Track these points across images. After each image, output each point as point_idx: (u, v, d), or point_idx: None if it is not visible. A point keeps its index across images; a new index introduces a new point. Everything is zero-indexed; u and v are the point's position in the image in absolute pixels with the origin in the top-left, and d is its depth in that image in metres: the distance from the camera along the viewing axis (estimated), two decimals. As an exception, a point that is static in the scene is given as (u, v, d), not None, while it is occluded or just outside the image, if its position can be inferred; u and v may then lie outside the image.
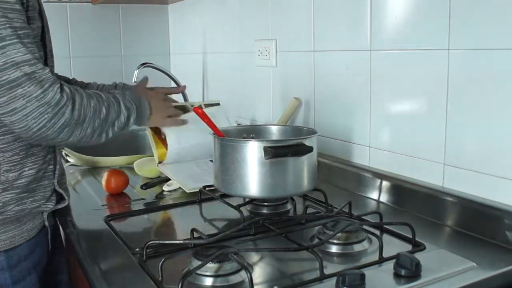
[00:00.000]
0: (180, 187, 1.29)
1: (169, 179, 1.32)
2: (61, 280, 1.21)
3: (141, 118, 1.17)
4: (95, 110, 1.02)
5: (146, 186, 1.31)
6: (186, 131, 1.36)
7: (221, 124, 1.50)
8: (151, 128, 1.36)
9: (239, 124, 1.76)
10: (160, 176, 1.40)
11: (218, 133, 1.12)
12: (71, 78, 1.38)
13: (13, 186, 1.01)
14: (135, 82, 1.91)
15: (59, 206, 1.12)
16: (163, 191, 1.31)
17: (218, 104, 1.52)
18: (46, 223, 1.09)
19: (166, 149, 1.36)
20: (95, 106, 1.02)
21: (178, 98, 1.52)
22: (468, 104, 0.98)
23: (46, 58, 1.07)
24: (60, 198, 1.13)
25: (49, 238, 1.11)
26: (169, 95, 1.37)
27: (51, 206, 1.09)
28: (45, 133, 0.94)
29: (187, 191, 1.25)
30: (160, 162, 1.35)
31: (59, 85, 0.95)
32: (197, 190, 1.22)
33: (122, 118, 1.09)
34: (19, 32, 0.91)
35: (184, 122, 1.34)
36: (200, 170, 1.37)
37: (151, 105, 1.21)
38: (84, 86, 1.35)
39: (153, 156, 1.38)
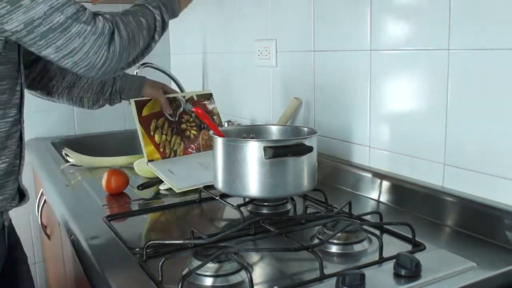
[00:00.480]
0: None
1: (168, 179, 1.33)
2: (20, 271, 1.17)
3: (171, 8, 1.18)
4: (137, 23, 1.04)
5: (142, 186, 1.31)
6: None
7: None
8: (141, 125, 1.37)
9: (239, 124, 1.76)
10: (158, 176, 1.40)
11: (218, 133, 1.12)
12: None
13: None
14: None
15: (23, 204, 1.08)
16: (159, 190, 1.32)
17: (210, 94, 1.53)
18: (6, 223, 1.05)
19: (156, 147, 1.36)
20: (134, 19, 1.04)
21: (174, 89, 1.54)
22: (468, 104, 0.98)
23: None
24: (22, 196, 1.09)
25: (5, 237, 1.06)
26: None
27: (14, 205, 1.05)
28: (110, 65, 0.98)
29: (177, 191, 1.25)
30: (150, 161, 1.35)
31: (100, 15, 0.97)
32: (188, 189, 1.22)
33: (159, 18, 1.11)
34: None
35: None
36: (194, 166, 1.37)
37: None
38: None
39: (153, 156, 1.38)
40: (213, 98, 1.56)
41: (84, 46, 0.93)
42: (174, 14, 1.19)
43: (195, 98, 1.52)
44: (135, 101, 1.39)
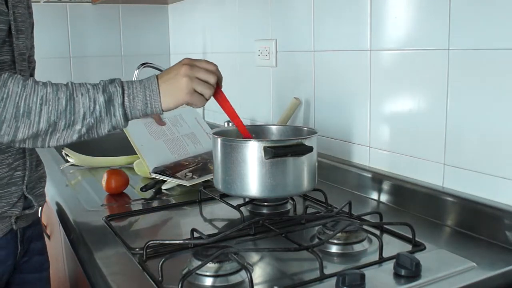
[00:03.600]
0: (177, 185, 1.31)
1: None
2: (42, 277, 1.16)
3: (140, 101, 0.89)
4: (47, 98, 0.83)
5: (145, 188, 1.31)
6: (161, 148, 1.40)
7: (190, 126, 1.52)
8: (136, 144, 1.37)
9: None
10: (156, 178, 1.40)
11: (246, 134, 1.09)
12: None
13: None
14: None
15: (27, 212, 1.04)
16: (161, 189, 1.32)
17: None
18: (14, 227, 1.02)
19: None
20: (47, 93, 0.84)
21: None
22: (468, 104, 0.98)
23: (15, 61, 0.97)
24: (29, 203, 1.05)
25: (18, 242, 1.04)
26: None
27: (17, 212, 1.01)
28: None
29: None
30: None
31: None
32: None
33: (97, 106, 0.85)
34: None
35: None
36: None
37: (162, 80, 0.91)
38: None
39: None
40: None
41: None
42: (151, 108, 0.90)
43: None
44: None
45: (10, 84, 0.82)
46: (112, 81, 0.89)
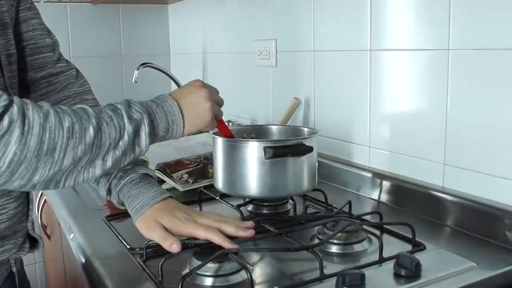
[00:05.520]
0: (174, 187, 1.31)
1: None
2: None
3: (163, 128, 0.81)
4: (73, 130, 0.69)
5: None
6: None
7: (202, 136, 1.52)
8: None
9: (239, 124, 1.76)
10: (158, 177, 1.40)
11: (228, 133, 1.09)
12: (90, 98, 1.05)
13: None
14: (135, 81, 1.91)
15: (32, 252, 0.94)
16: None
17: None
18: (14, 269, 0.93)
19: None
20: (72, 125, 0.69)
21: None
22: (468, 104, 0.98)
23: (6, 86, 0.83)
24: (34, 243, 0.95)
25: (16, 283, 0.95)
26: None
27: (23, 255, 0.91)
28: None
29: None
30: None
31: (3, 102, 0.64)
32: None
33: (126, 136, 0.75)
34: None
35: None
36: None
37: (183, 103, 0.83)
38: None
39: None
40: None
41: None
42: (166, 134, 0.82)
43: None
44: None
45: (29, 112, 0.66)
46: (129, 104, 0.79)
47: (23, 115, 0.65)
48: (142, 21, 2.37)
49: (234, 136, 1.07)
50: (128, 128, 0.75)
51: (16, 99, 0.66)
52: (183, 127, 0.83)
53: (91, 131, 0.71)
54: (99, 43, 2.30)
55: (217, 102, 0.91)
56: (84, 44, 2.27)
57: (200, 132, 0.94)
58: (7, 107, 0.64)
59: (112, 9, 2.31)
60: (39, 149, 0.66)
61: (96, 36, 2.29)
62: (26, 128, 0.65)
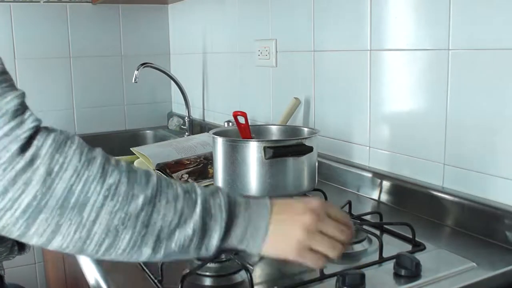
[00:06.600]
0: None
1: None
2: None
3: (239, 237, 0.63)
4: (115, 191, 0.55)
5: None
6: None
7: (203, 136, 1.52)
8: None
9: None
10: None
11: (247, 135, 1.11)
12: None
13: None
14: (135, 81, 1.90)
15: (21, 254, 0.89)
16: None
17: None
18: (2, 272, 0.91)
19: None
20: (117, 184, 0.56)
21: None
22: (468, 104, 0.98)
23: None
24: (21, 245, 0.88)
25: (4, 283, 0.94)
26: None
27: (13, 257, 0.88)
28: (1, 218, 0.52)
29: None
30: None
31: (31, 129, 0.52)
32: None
33: (190, 228, 0.59)
34: None
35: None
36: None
37: (276, 220, 0.65)
38: None
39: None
40: None
41: None
42: (246, 247, 0.64)
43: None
44: None
45: (69, 150, 0.54)
46: (213, 193, 0.63)
47: (57, 150, 0.53)
48: (142, 21, 2.37)
49: None
50: (196, 219, 0.59)
51: (59, 130, 0.55)
52: (261, 248, 0.65)
53: (140, 200, 0.56)
54: (99, 43, 2.30)
55: (330, 234, 0.68)
56: (84, 44, 2.27)
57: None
58: (35, 132, 0.52)
59: (112, 9, 2.31)
60: (65, 199, 0.52)
61: (96, 36, 2.29)
62: (56, 168, 0.52)
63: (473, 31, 0.95)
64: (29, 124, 0.52)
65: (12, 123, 0.51)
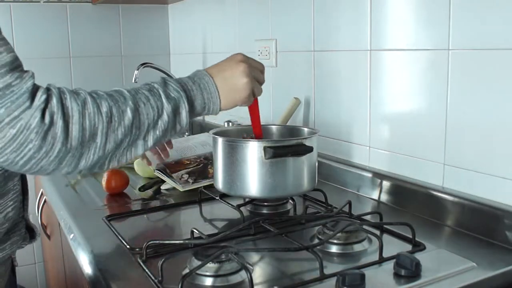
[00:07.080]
0: (174, 187, 1.30)
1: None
2: None
3: (200, 105, 0.83)
4: (112, 113, 0.72)
5: (143, 188, 1.32)
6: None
7: (202, 136, 1.52)
8: None
9: (239, 124, 1.76)
10: (158, 177, 1.40)
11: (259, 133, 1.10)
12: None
13: None
14: (135, 81, 1.91)
15: (32, 242, 0.96)
16: (160, 189, 1.32)
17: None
18: (16, 262, 0.95)
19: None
20: (110, 109, 0.72)
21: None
22: (468, 104, 0.98)
23: None
24: (31, 233, 0.97)
25: (16, 278, 0.98)
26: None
27: (25, 245, 0.94)
28: (38, 164, 0.68)
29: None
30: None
31: (43, 96, 0.67)
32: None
33: (165, 115, 0.77)
34: None
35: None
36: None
37: (219, 79, 0.86)
38: None
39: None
40: None
41: None
42: (204, 110, 0.85)
43: None
44: None
45: (68, 102, 0.69)
46: (165, 83, 0.80)
47: (62, 105, 0.68)
48: (142, 21, 2.37)
49: (260, 121, 1.07)
50: (167, 107, 0.77)
51: (53, 89, 0.69)
52: (220, 103, 0.85)
53: (129, 113, 0.74)
54: (99, 43, 2.30)
55: (257, 78, 0.90)
56: (84, 44, 2.27)
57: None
58: (47, 102, 0.67)
59: (112, 9, 2.31)
60: (82, 136, 0.69)
61: (96, 36, 2.29)
62: (66, 118, 0.67)
63: (473, 31, 0.95)
64: (42, 96, 0.66)
65: (30, 100, 0.66)
